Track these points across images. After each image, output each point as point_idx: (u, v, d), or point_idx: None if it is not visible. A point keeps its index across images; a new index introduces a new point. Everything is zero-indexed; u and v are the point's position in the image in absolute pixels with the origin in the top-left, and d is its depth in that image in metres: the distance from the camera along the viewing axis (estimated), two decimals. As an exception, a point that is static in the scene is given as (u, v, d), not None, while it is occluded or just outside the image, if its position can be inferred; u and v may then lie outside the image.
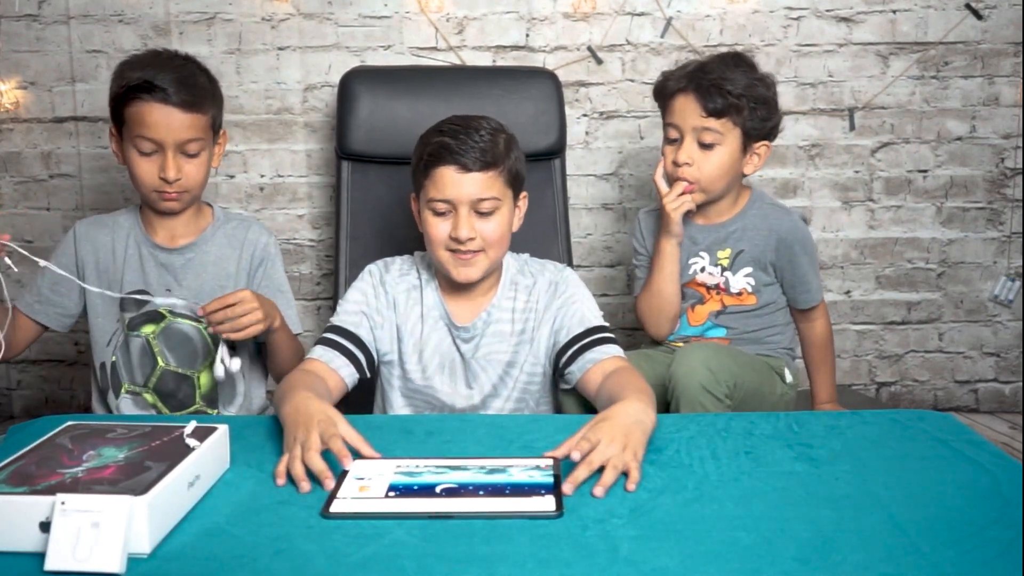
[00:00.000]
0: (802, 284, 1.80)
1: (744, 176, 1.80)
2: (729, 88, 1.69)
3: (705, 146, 1.72)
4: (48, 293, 1.66)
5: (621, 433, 1.11)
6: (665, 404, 1.60)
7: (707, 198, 1.77)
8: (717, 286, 1.81)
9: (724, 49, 2.52)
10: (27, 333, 1.67)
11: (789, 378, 1.79)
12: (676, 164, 1.74)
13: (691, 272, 1.82)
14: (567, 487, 1.03)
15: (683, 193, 1.74)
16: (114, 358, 1.66)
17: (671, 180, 1.76)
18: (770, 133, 1.77)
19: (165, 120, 1.55)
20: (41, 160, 2.56)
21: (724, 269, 1.80)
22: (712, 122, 1.70)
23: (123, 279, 1.65)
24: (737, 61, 1.76)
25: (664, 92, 1.78)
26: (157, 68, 1.58)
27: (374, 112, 2.05)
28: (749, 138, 1.74)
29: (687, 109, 1.72)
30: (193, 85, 1.59)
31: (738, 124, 1.71)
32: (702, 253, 1.81)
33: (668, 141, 1.77)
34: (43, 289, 1.66)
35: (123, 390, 1.66)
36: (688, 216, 1.79)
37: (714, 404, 1.54)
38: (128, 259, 1.66)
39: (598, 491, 1.03)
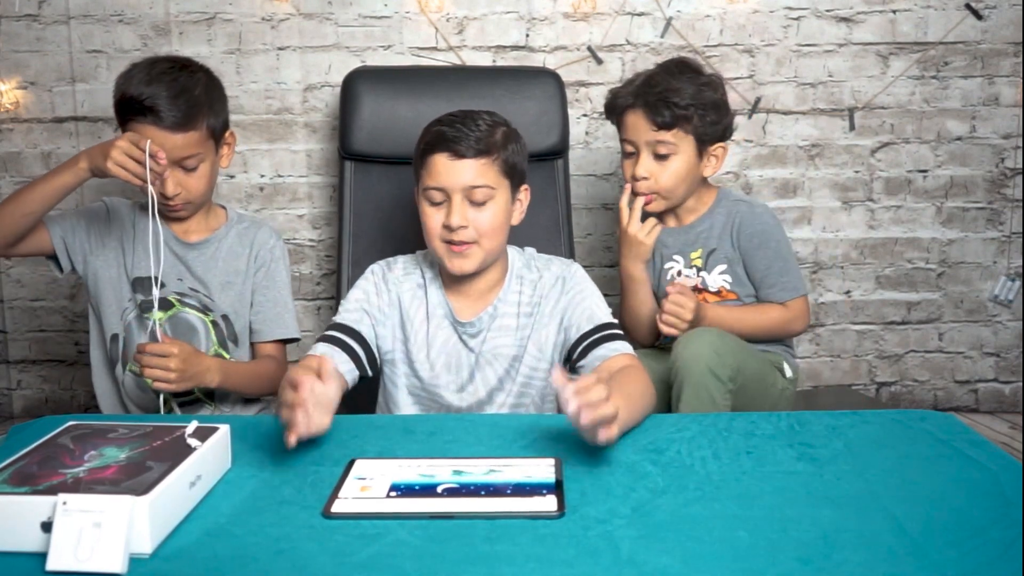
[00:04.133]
0: (763, 278, 1.79)
1: (704, 179, 1.82)
2: (675, 100, 1.72)
3: (660, 157, 1.75)
4: (71, 226, 1.69)
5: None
6: (668, 388, 1.60)
7: (669, 205, 1.80)
8: (696, 287, 1.82)
9: (725, 49, 2.53)
10: (34, 242, 1.65)
11: (788, 373, 1.79)
12: (635, 178, 1.77)
13: (668, 277, 1.84)
14: (585, 416, 1.05)
15: (646, 204, 1.76)
16: (125, 335, 1.68)
17: (633, 196, 1.78)
18: (723, 134, 1.79)
19: (159, 141, 1.56)
20: (41, 160, 2.56)
21: (699, 270, 1.82)
22: (664, 134, 1.74)
23: (139, 263, 1.69)
24: (682, 68, 1.78)
25: (614, 109, 1.81)
26: (150, 84, 1.58)
27: (377, 112, 2.05)
28: (703, 143, 1.76)
29: (638, 125, 1.75)
30: (185, 101, 1.59)
31: (689, 132, 1.74)
32: (675, 256, 1.84)
33: (626, 156, 1.80)
34: (75, 218, 1.70)
35: (129, 367, 1.68)
36: (658, 219, 1.82)
37: (718, 387, 1.55)
38: (146, 245, 1.67)
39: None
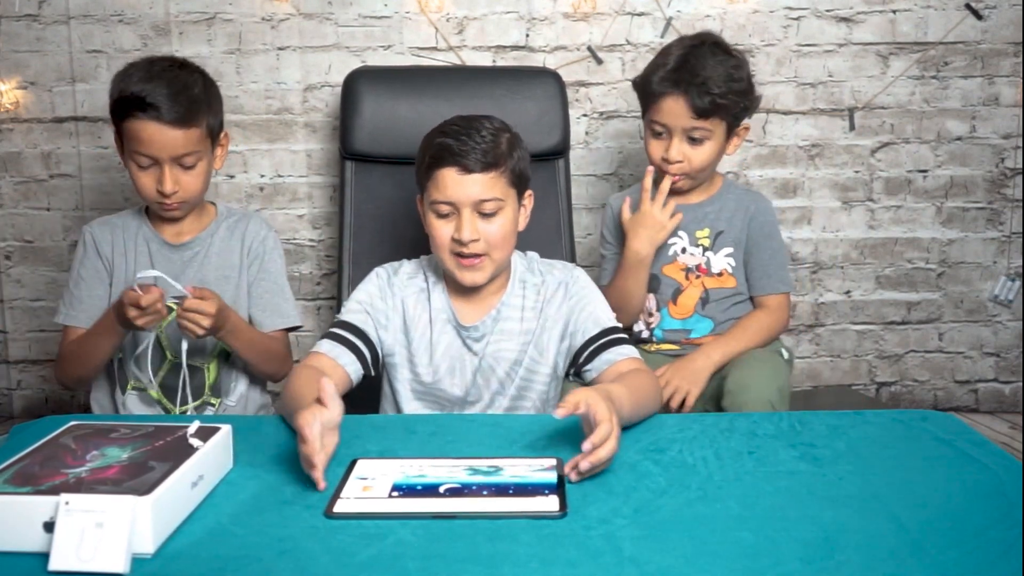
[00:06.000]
0: (764, 267, 1.81)
1: (726, 155, 1.85)
2: (715, 90, 1.71)
3: (694, 140, 1.75)
4: (84, 296, 1.68)
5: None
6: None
7: (694, 184, 1.82)
8: (698, 267, 1.82)
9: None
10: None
11: (785, 355, 1.81)
12: (667, 161, 1.77)
13: (671, 254, 1.83)
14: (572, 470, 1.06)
15: (674, 183, 1.77)
16: (120, 355, 1.67)
17: (658, 175, 1.79)
18: (749, 112, 1.81)
19: (159, 138, 1.56)
20: (41, 160, 2.56)
21: (705, 249, 1.82)
22: (702, 122, 1.74)
23: (135, 276, 1.66)
24: (714, 50, 1.76)
25: (649, 91, 1.78)
26: (150, 82, 1.58)
27: (378, 112, 2.05)
28: (732, 125, 1.78)
29: (676, 111, 1.74)
30: (186, 98, 1.59)
31: (725, 119, 1.75)
32: (680, 233, 1.83)
33: (653, 135, 1.80)
34: (77, 293, 1.68)
35: (129, 387, 1.67)
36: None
37: None
38: (139, 256, 1.69)
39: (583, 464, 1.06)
